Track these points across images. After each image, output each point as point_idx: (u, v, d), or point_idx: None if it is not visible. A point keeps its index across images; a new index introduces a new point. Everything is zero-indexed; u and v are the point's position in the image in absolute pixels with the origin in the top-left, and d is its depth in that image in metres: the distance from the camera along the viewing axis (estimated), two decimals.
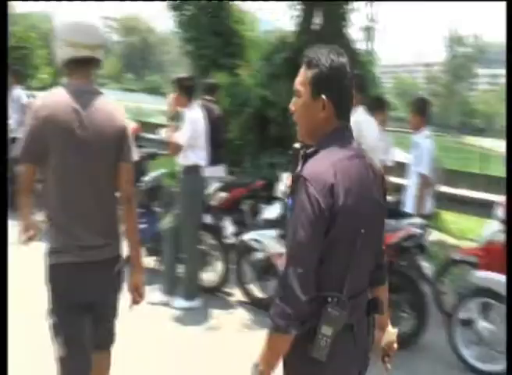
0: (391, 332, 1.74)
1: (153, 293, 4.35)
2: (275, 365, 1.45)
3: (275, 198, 4.11)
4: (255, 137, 6.80)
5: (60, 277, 2.08)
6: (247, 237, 4.25)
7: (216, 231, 4.43)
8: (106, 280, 2.19)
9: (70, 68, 2.10)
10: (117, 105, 2.21)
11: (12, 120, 6.97)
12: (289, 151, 4.68)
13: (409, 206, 4.22)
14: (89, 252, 2.08)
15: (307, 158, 1.49)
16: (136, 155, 2.22)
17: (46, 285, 2.13)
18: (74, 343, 2.12)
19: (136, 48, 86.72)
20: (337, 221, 1.38)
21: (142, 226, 4.79)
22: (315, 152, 1.48)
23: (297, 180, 1.42)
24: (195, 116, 4.12)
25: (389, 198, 4.56)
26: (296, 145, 1.60)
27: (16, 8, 12.79)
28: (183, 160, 4.12)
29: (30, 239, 2.20)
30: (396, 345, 1.74)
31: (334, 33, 6.66)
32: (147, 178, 4.68)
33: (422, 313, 3.54)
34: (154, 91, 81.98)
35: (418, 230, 3.53)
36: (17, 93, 7.03)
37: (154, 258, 4.78)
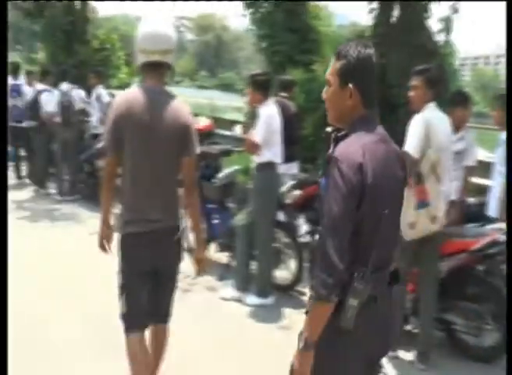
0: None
1: (225, 288, 4.42)
2: (319, 333, 1.57)
3: None
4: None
5: (128, 245, 2.47)
6: None
7: (290, 229, 4.41)
8: (166, 248, 2.52)
9: (145, 71, 2.43)
10: (183, 104, 2.51)
11: (95, 118, 7.35)
12: None
13: (493, 209, 3.95)
14: (151, 224, 2.43)
15: (338, 140, 1.64)
16: (198, 148, 2.55)
17: (117, 252, 2.53)
18: (134, 302, 2.50)
19: (210, 46, 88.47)
20: (366, 196, 1.52)
21: (215, 221, 4.90)
22: (346, 136, 1.63)
23: (330, 160, 1.56)
24: (270, 113, 4.11)
25: (471, 200, 4.31)
26: (328, 129, 1.74)
27: (99, 11, 13.37)
28: (258, 157, 4.13)
29: (104, 248, 2.65)
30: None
31: (413, 25, 6.36)
32: (221, 175, 4.74)
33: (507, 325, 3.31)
34: (228, 87, 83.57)
35: (503, 237, 3.29)
36: (99, 92, 7.40)
37: (226, 253, 4.84)
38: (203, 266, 2.70)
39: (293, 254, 4.45)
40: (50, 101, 7.07)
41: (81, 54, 12.59)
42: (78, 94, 7.17)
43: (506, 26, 3.36)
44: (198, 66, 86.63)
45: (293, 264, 4.48)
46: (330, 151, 1.64)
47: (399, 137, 5.91)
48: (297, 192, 4.36)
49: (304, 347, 1.58)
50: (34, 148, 7.67)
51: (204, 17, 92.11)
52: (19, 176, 8.28)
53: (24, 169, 8.35)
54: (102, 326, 3.62)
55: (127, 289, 2.50)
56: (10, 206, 6.77)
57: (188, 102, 8.87)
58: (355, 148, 1.55)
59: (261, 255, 4.22)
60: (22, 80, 8.34)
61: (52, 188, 7.62)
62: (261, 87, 4.11)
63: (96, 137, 7.25)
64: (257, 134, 4.00)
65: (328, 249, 1.48)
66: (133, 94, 2.39)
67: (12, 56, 32.20)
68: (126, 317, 2.51)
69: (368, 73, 1.63)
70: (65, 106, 6.92)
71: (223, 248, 4.81)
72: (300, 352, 1.59)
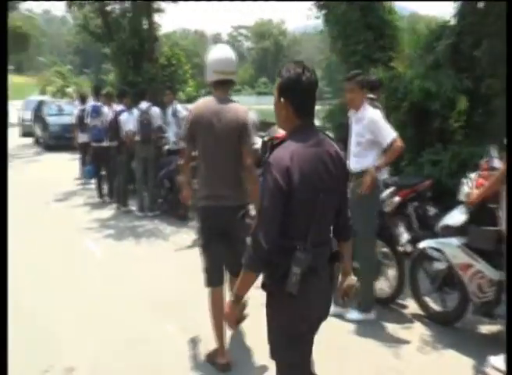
0: (351, 278, 2.28)
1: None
2: (244, 295, 2.05)
3: (459, 202, 3.65)
4: (414, 133, 6.28)
5: (203, 215, 3.27)
6: (425, 245, 3.87)
7: (390, 238, 4.11)
8: (233, 218, 3.15)
9: (215, 85, 3.28)
10: (242, 107, 3.27)
11: (171, 133, 7.40)
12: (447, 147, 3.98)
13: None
14: (222, 200, 3.16)
15: (274, 147, 1.98)
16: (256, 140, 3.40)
17: (196, 221, 3.35)
18: (212, 259, 3.29)
19: (268, 52, 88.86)
20: (295, 191, 1.90)
21: None
22: (281, 143, 1.98)
23: (265, 163, 1.94)
24: (377, 115, 3.84)
25: None
26: (265, 139, 2.63)
27: (161, 29, 13.67)
28: (356, 164, 3.88)
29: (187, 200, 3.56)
30: (354, 289, 2.30)
31: (502, 11, 5.84)
32: None
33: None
34: None
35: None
36: (175, 107, 7.44)
37: None
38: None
39: (393, 264, 4.15)
40: (128, 121, 7.20)
41: (150, 72, 12.93)
42: (155, 111, 7.25)
43: (506, 26, 3.46)
44: (257, 73, 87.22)
45: (392, 275, 4.19)
46: (266, 156, 1.99)
47: (494, 130, 5.46)
48: (396, 199, 4.05)
49: (233, 300, 2.06)
50: (115, 167, 7.85)
51: (262, 24, 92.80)
52: (100, 195, 8.50)
53: (105, 187, 8.59)
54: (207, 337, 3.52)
55: (206, 249, 3.29)
56: (93, 224, 7.01)
57: (252, 110, 8.71)
58: (285, 154, 1.92)
59: (362, 268, 3.95)
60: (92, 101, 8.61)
61: (133, 205, 7.75)
62: (363, 88, 3.88)
63: (173, 153, 7.28)
64: (362, 140, 3.75)
65: (258, 233, 1.90)
66: (205, 101, 3.27)
67: (81, 79, 34.11)
68: (207, 271, 3.30)
69: (299, 90, 1.97)
70: (145, 124, 7.02)
71: None
72: (230, 303, 2.08)
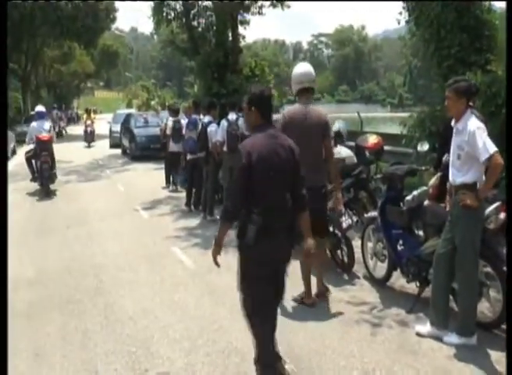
0: (309, 242, 3.17)
1: (421, 324, 3.98)
2: (223, 238, 3.05)
3: None
4: None
5: None
6: None
7: (494, 258, 3.81)
8: (320, 195, 4.34)
9: (299, 94, 4.42)
10: (323, 110, 4.53)
11: None
12: None
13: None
14: (308, 182, 3.46)
15: (243, 139, 4.29)
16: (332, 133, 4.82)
17: None
18: None
19: (349, 59, 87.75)
20: (254, 168, 2.89)
21: (401, 248, 4.49)
22: (249, 136, 3.29)
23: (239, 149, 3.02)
24: (481, 126, 3.59)
25: None
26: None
27: (245, 41, 13.94)
28: (457, 178, 3.65)
29: None
30: (312, 250, 3.19)
31: None
32: (409, 197, 4.32)
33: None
34: (369, 99, 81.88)
35: None
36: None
37: (415, 283, 4.41)
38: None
39: (496, 286, 3.84)
40: (217, 132, 7.35)
41: (235, 83, 13.17)
42: (243, 122, 7.34)
43: (506, 26, 3.73)
44: (338, 81, 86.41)
45: (495, 298, 3.87)
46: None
47: None
48: (502, 215, 3.75)
49: (215, 244, 3.08)
50: (203, 177, 8.04)
51: (341, 31, 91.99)
52: (188, 204, 8.68)
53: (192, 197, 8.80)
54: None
55: None
56: (181, 233, 7.17)
57: (341, 119, 8.46)
58: (248, 142, 3.02)
59: (464, 289, 3.69)
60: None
61: (219, 214, 7.87)
62: (463, 97, 3.66)
63: None
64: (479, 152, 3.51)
65: (229, 198, 3.11)
66: (294, 107, 4.46)
67: (164, 92, 35.55)
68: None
69: (263, 102, 3.07)
70: (232, 135, 7.13)
71: (411, 277, 4.37)
72: (213, 247, 3.09)
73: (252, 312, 3.09)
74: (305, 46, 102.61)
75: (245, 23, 13.57)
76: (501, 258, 3.74)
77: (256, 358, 3.12)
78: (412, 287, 4.52)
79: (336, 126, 7.51)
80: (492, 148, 3.43)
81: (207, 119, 7.77)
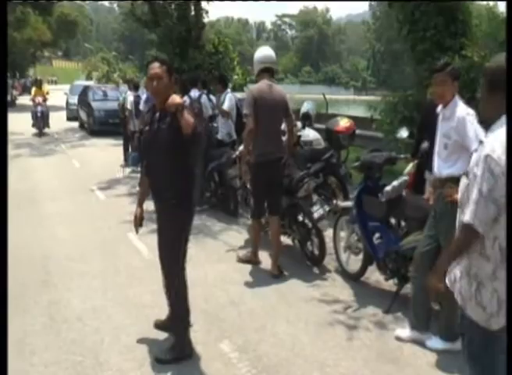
0: None
1: (400, 326, 3.68)
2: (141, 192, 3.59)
3: None
4: None
5: (258, 168, 4.65)
6: None
7: None
8: (279, 168, 4.72)
9: (261, 73, 4.74)
10: (282, 89, 4.88)
11: (221, 124, 6.93)
12: None
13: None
14: (272, 154, 4.61)
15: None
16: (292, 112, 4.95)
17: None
18: (260, 198, 4.95)
19: (312, 41, 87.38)
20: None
21: (378, 241, 4.16)
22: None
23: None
24: (466, 114, 3.26)
25: None
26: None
27: (208, 16, 13.23)
28: (443, 170, 3.31)
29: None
30: None
31: None
32: (388, 188, 3.97)
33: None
34: (332, 81, 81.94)
35: None
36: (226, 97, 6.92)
37: (392, 280, 4.10)
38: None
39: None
40: None
41: (197, 59, 12.53)
42: (206, 100, 6.81)
43: (506, 26, 3.60)
44: (301, 62, 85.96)
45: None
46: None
47: None
48: None
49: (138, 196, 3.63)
50: None
51: (306, 13, 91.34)
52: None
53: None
54: None
55: (257, 192, 4.86)
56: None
57: (310, 101, 8.01)
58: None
59: (448, 290, 3.38)
60: None
61: None
62: (456, 80, 3.32)
63: (223, 145, 6.83)
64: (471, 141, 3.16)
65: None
66: (259, 85, 4.67)
67: (126, 66, 34.44)
68: (256, 207, 4.86)
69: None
70: (196, 114, 6.57)
71: (389, 273, 4.06)
72: None
73: None
74: (269, 26, 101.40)
75: None
76: None
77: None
78: (388, 283, 4.23)
79: (305, 107, 7.11)
80: (482, 136, 3.10)
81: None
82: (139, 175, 8.99)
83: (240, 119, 7.70)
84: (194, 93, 6.82)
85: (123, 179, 9.28)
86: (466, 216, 2.05)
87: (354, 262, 4.54)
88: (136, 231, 3.50)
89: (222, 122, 6.87)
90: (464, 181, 2.19)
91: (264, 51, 4.85)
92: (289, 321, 3.80)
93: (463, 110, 3.25)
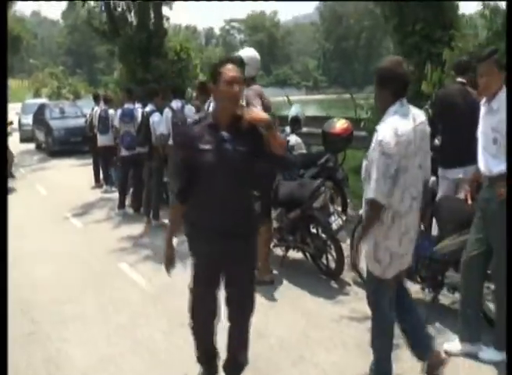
0: None
1: (444, 339, 3.40)
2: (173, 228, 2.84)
3: None
4: None
5: None
6: None
7: None
8: None
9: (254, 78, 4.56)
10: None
11: None
12: None
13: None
14: None
15: None
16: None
17: None
18: None
19: (262, 45, 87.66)
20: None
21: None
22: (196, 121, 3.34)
23: None
24: None
25: None
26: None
27: (169, 23, 12.88)
28: (496, 167, 3.04)
29: None
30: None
31: None
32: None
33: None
34: (284, 83, 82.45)
35: None
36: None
37: (422, 287, 3.83)
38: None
39: None
40: (159, 123, 6.32)
41: (161, 68, 12.07)
42: (190, 110, 6.38)
43: (506, 26, 3.49)
44: None
45: None
46: None
47: None
48: None
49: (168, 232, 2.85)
50: (144, 177, 6.96)
51: (254, 17, 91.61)
52: (122, 206, 7.56)
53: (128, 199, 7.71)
54: None
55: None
56: (125, 244, 6.10)
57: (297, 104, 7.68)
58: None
59: (504, 295, 3.13)
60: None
61: (165, 218, 6.89)
62: (502, 69, 3.06)
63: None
64: None
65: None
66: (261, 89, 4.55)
67: (75, 80, 33.34)
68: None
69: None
70: (179, 126, 6.13)
71: (425, 282, 3.79)
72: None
73: None
74: (217, 32, 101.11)
75: (169, 2, 12.42)
76: None
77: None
78: (416, 290, 3.93)
79: (293, 110, 6.78)
80: None
81: (149, 108, 6.62)
82: (115, 195, 8.50)
83: None
84: (177, 103, 6.36)
85: (98, 202, 8.65)
86: (369, 193, 2.56)
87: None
88: (168, 272, 2.83)
89: None
90: (364, 163, 2.68)
91: (258, 56, 4.62)
92: (326, 348, 3.45)
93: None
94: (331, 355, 3.35)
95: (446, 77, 5.46)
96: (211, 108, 6.24)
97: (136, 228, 6.75)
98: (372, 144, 2.56)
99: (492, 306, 3.41)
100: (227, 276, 2.73)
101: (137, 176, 7.27)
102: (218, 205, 2.56)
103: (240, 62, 4.36)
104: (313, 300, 4.22)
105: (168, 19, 12.82)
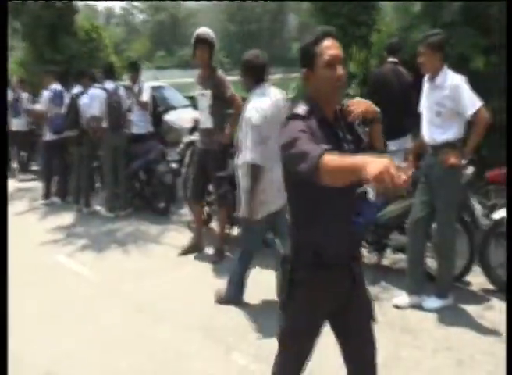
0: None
1: (397, 295, 3.77)
2: None
3: None
4: None
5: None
6: (500, 215, 3.57)
7: (464, 212, 3.75)
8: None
9: None
10: None
11: (136, 117, 6.42)
12: None
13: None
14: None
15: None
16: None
17: None
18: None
19: (164, 25, 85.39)
20: None
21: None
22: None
23: None
24: (458, 82, 3.35)
25: None
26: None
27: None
28: (439, 135, 3.39)
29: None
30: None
31: None
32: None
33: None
34: (186, 64, 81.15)
35: None
36: (142, 88, 6.35)
37: (372, 251, 4.18)
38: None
39: (462, 240, 3.80)
40: (90, 105, 6.07)
41: (71, 48, 11.41)
42: (124, 92, 6.16)
43: (506, 26, 3.48)
44: (155, 47, 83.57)
45: (461, 252, 3.83)
46: None
47: None
48: (470, 169, 3.62)
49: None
50: (73, 162, 6.66)
51: None
52: (47, 195, 7.12)
53: (53, 186, 7.29)
54: None
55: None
56: (58, 235, 5.78)
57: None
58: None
59: (445, 252, 3.55)
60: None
61: (97, 205, 6.69)
62: (439, 50, 3.39)
63: (139, 138, 6.28)
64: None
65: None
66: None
67: None
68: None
69: None
70: (114, 108, 5.94)
71: (371, 246, 4.12)
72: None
73: None
74: (118, 11, 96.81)
75: None
76: (470, 212, 3.70)
77: None
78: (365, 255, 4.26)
79: None
80: (478, 102, 3.26)
81: (76, 89, 6.34)
82: (32, 184, 7.89)
83: (156, 111, 7.20)
84: (109, 85, 6.11)
85: (15, 192, 7.94)
86: (247, 157, 3.26)
87: None
88: None
89: (137, 114, 6.29)
90: (237, 135, 3.48)
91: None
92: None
93: (456, 78, 3.34)
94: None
95: (371, 58, 5.81)
96: (144, 92, 6.14)
97: (66, 218, 6.43)
98: (243, 121, 3.35)
99: (430, 262, 3.84)
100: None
101: (63, 163, 6.94)
102: (344, 226, 1.89)
103: (210, 43, 4.33)
104: None
105: None
